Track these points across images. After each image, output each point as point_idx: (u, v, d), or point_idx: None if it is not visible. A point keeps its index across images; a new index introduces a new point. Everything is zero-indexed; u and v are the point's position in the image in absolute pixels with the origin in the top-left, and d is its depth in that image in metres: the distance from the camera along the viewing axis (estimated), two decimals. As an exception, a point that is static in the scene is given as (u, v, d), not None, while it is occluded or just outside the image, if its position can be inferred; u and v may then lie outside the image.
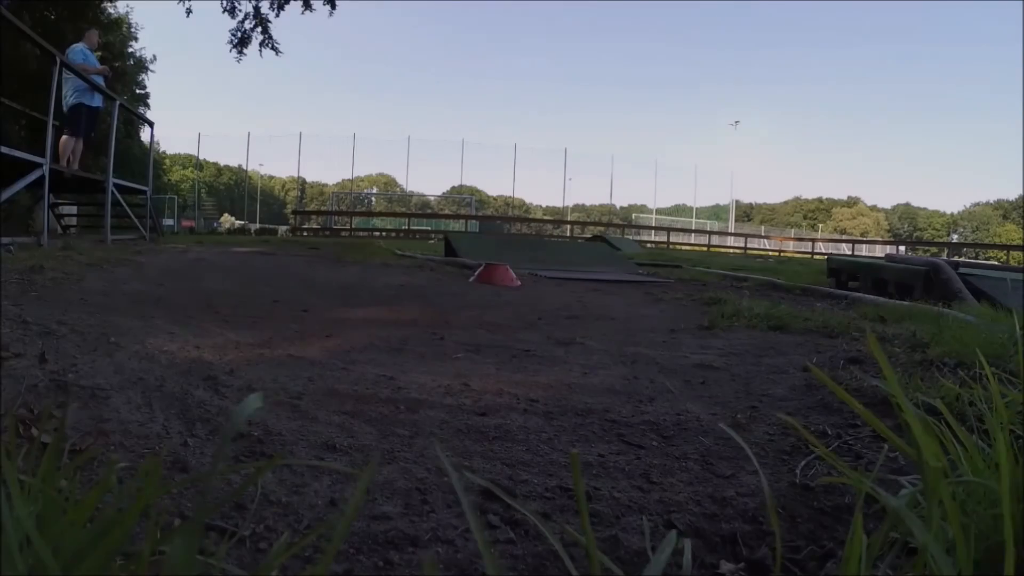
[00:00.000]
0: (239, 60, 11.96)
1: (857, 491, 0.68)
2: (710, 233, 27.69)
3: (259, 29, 11.84)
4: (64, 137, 6.91)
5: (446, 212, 30.69)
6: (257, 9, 11.79)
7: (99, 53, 8.06)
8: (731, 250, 24.24)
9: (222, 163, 43.26)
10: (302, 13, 11.89)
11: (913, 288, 4.39)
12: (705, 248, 23.15)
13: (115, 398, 1.29)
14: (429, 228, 23.84)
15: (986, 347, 1.77)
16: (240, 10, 11.74)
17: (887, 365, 0.63)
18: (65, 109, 6.94)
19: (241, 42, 11.88)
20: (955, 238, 48.93)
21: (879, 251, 25.33)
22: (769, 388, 1.70)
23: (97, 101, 7.28)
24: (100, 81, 7.21)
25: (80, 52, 7.13)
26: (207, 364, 1.69)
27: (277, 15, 11.89)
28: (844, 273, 5.78)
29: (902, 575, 0.63)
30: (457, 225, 23.44)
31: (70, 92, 6.92)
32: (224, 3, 11.60)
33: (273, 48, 12.06)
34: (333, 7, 11.99)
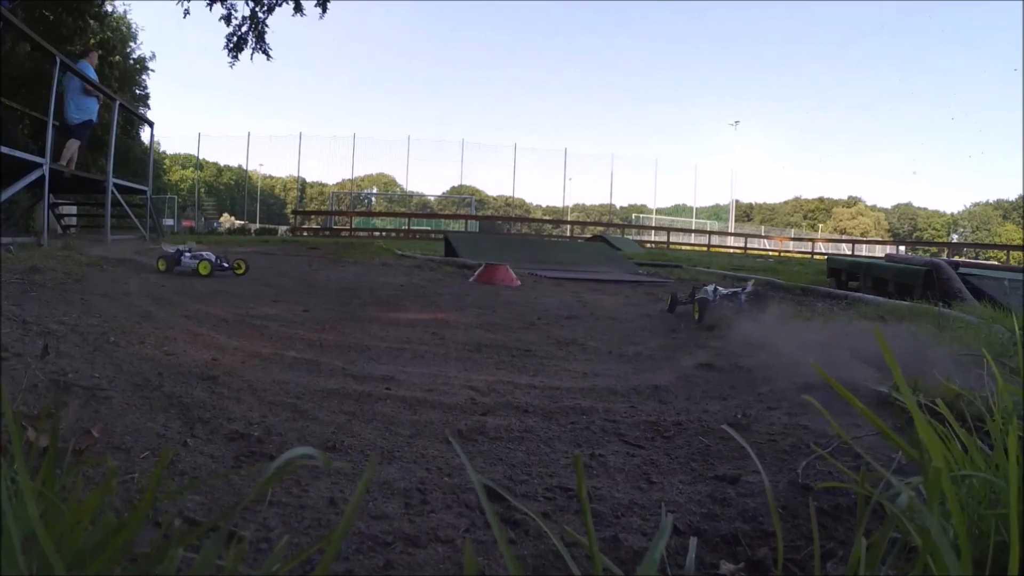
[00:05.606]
0: (232, 65, 12.27)
1: (858, 493, 0.68)
2: (710, 233, 27.63)
3: (252, 34, 11.99)
4: (68, 141, 7.00)
5: (446, 212, 30.62)
6: (254, 13, 11.88)
7: (97, 52, 8.14)
8: (731, 250, 24.22)
9: (222, 163, 43.18)
10: (292, 15, 12.05)
11: (913, 288, 4.39)
12: (705, 248, 23.13)
13: (115, 398, 1.30)
14: (429, 228, 23.80)
15: (986, 347, 1.77)
16: (236, 15, 11.89)
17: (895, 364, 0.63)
18: (71, 123, 7.03)
19: (236, 47, 12.04)
20: (955, 238, 48.80)
21: (879, 251, 25.28)
22: (769, 388, 1.70)
23: (94, 116, 7.38)
24: (95, 103, 7.26)
25: (84, 68, 7.22)
26: (207, 364, 1.70)
27: (266, 17, 12.02)
28: (844, 273, 5.78)
29: (902, 575, 0.63)
30: (457, 225, 23.40)
31: (74, 110, 7.02)
32: (223, 8, 11.70)
33: (264, 52, 12.34)
34: (324, 9, 12.09)
